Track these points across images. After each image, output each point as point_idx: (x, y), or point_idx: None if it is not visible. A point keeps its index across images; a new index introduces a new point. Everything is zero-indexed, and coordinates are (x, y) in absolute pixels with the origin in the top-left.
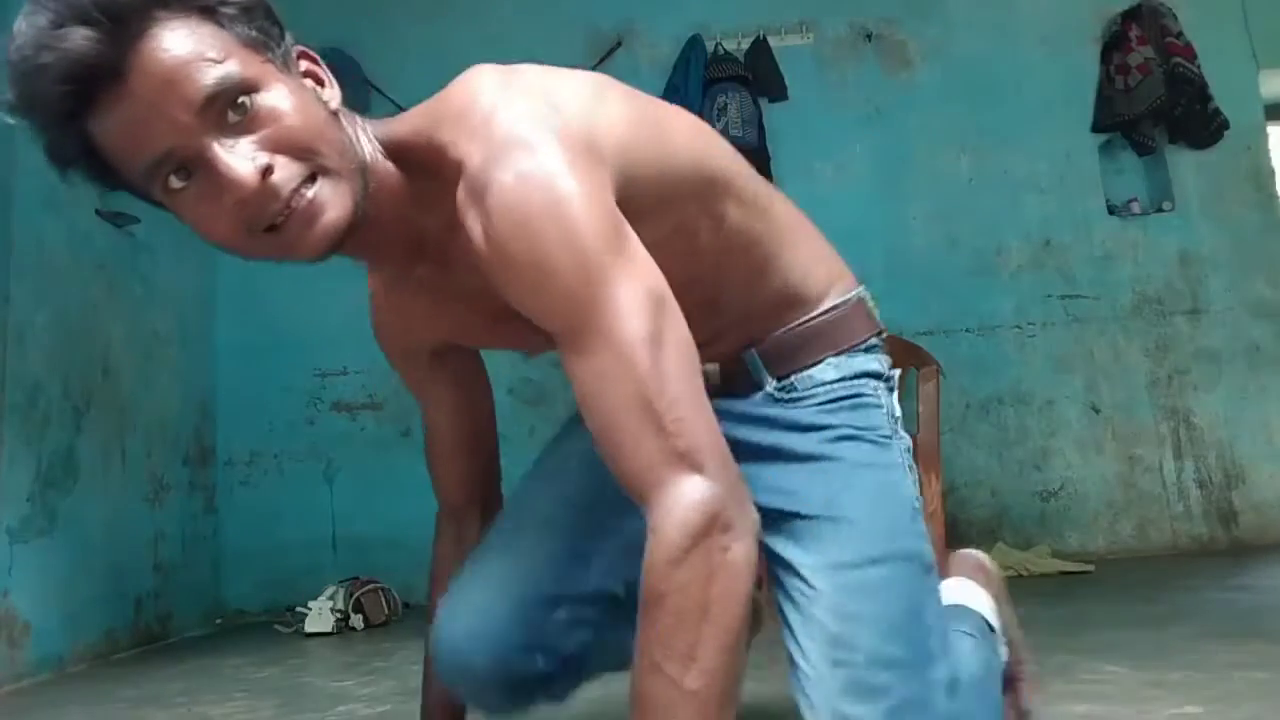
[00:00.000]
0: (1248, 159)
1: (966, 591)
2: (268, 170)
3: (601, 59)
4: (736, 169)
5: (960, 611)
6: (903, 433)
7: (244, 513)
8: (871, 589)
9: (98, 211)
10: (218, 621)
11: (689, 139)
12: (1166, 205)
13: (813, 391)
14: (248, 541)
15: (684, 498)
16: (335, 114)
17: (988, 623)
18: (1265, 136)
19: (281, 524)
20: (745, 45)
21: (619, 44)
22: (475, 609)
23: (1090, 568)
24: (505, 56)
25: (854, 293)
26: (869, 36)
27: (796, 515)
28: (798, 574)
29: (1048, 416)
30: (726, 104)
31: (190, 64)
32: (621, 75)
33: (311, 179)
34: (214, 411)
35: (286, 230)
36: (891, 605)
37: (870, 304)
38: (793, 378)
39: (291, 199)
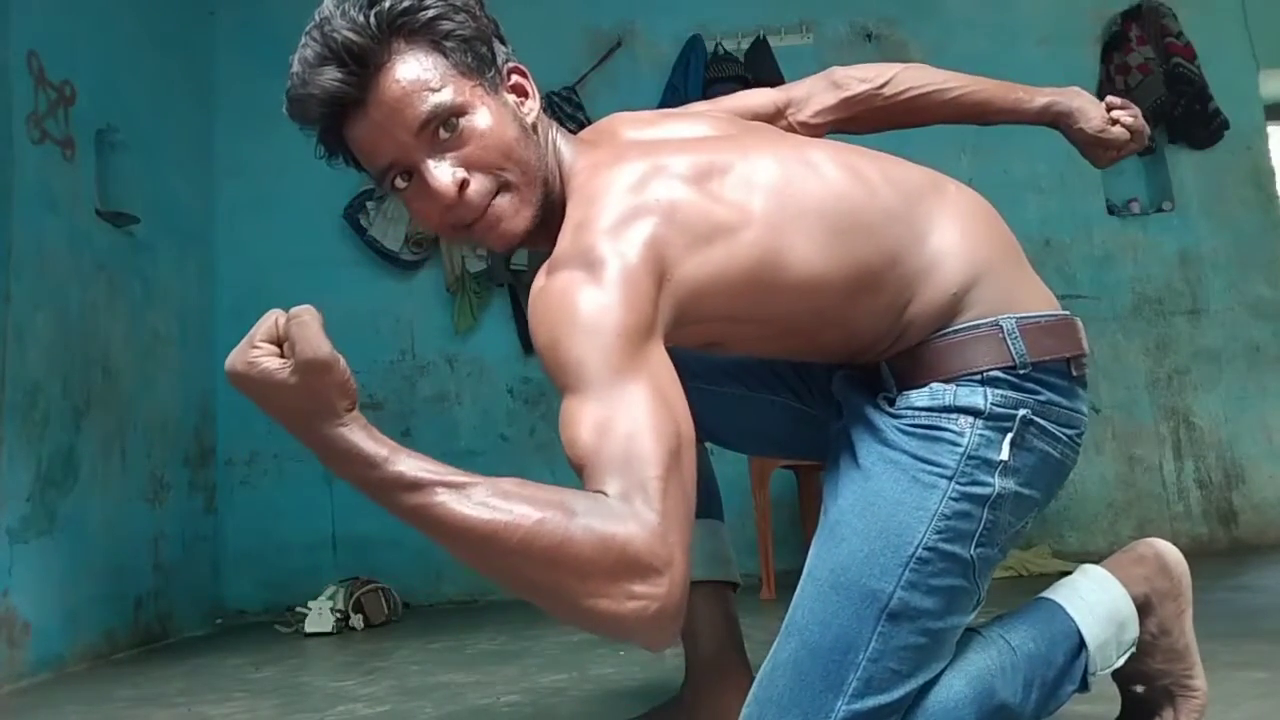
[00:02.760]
0: (1248, 159)
1: (1083, 592)
2: (465, 184)
3: (601, 59)
4: (883, 230)
5: (1037, 617)
6: (988, 479)
7: (244, 513)
8: (817, 610)
9: (98, 211)
10: (218, 621)
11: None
12: (1166, 205)
13: (902, 412)
14: (248, 541)
15: (646, 522)
16: (533, 126)
17: (1074, 635)
18: (1265, 136)
19: (281, 524)
20: (745, 45)
21: (619, 44)
22: None
23: None
24: None
25: (993, 318)
26: (869, 36)
27: (825, 513)
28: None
29: None
30: None
31: (413, 93)
32: (621, 75)
33: (500, 191)
34: (214, 411)
35: (476, 231)
36: (825, 632)
37: (1012, 339)
38: (899, 395)
39: (482, 208)
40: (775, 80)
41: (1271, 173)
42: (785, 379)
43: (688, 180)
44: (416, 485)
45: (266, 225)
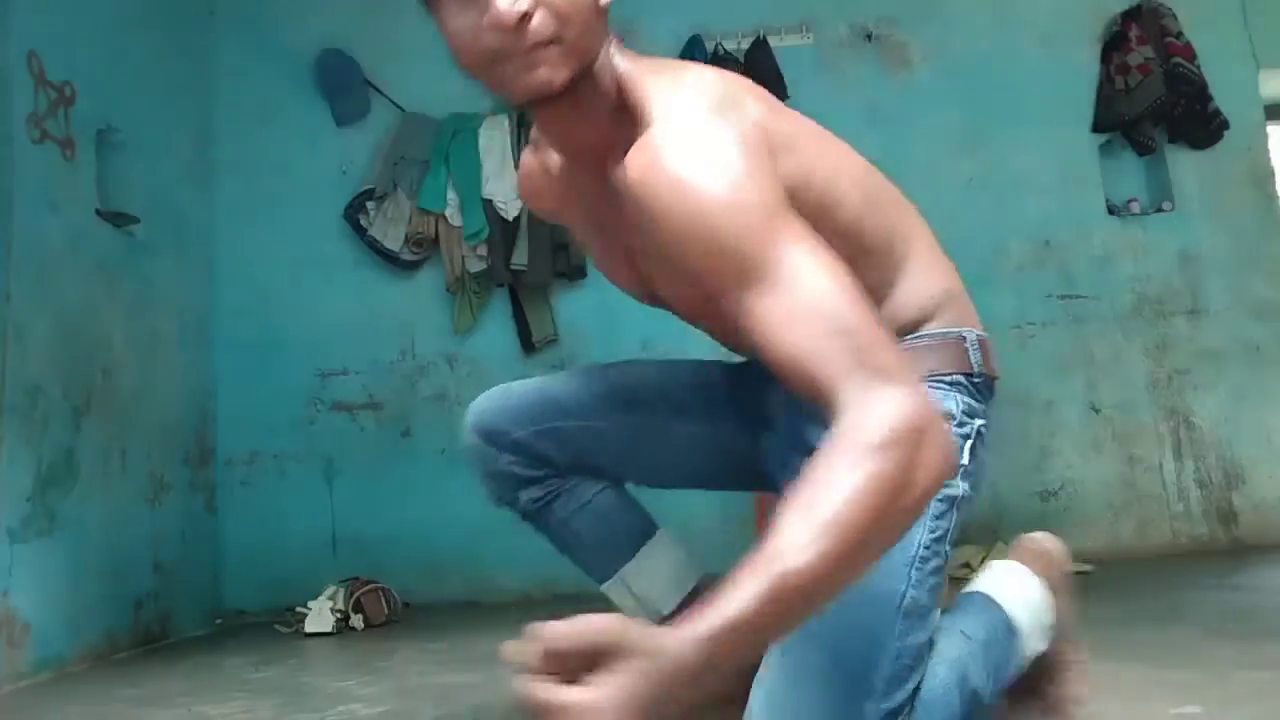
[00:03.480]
0: (1248, 159)
1: (1006, 583)
2: (526, 16)
3: None
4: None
5: (978, 608)
6: (956, 480)
7: (244, 513)
8: (839, 619)
9: (98, 211)
10: (218, 621)
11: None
12: (1166, 205)
13: None
14: (248, 541)
15: (888, 402)
16: (603, 10)
17: (1009, 623)
18: (1265, 136)
19: (281, 524)
20: (745, 45)
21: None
22: (505, 394)
23: (1090, 568)
24: None
25: (958, 329)
26: (869, 36)
27: None
28: None
29: (1048, 416)
30: None
31: None
32: None
33: (552, 42)
34: (214, 411)
35: (510, 68)
36: (850, 639)
37: (974, 350)
38: None
39: (529, 47)
40: (776, 80)
41: (1271, 173)
42: (690, 404)
43: (759, 99)
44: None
45: (266, 225)
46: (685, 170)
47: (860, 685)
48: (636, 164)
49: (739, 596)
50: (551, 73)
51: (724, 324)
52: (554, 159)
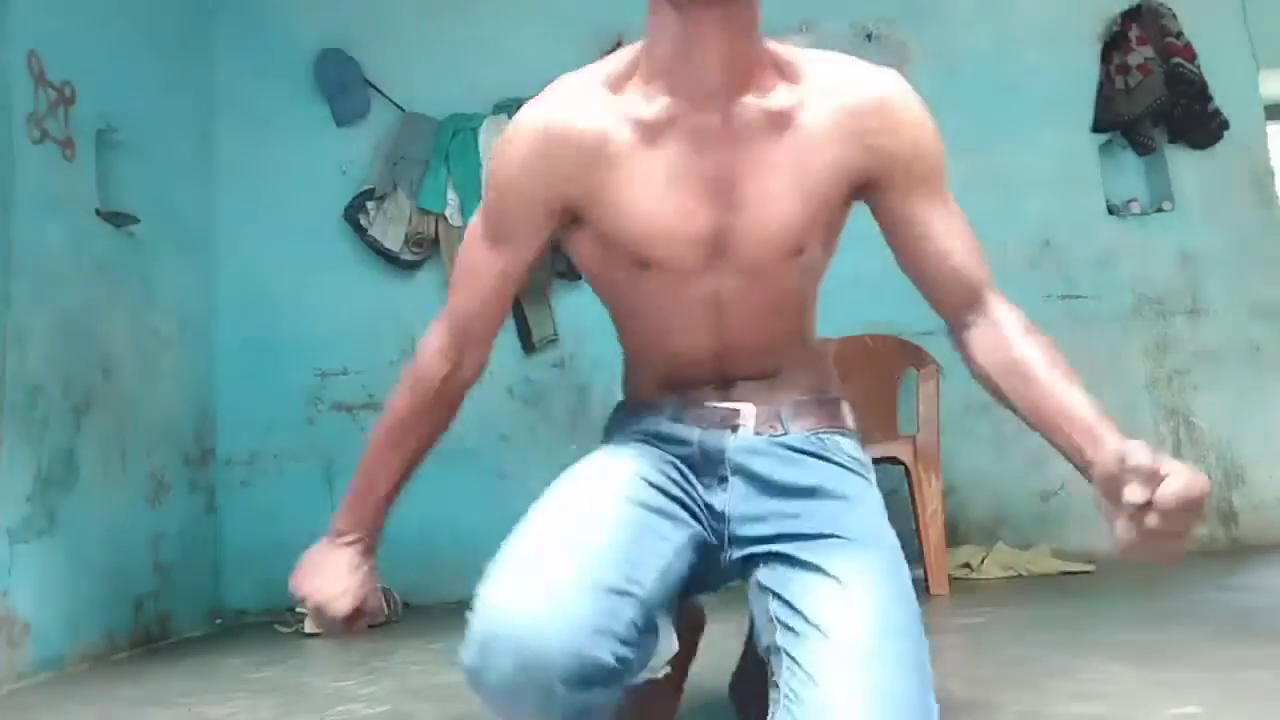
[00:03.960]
0: (1248, 159)
1: None
2: None
3: (601, 59)
4: None
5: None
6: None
7: (244, 513)
8: (903, 606)
9: (98, 211)
10: (218, 621)
11: None
12: (1166, 205)
13: (834, 453)
14: (248, 541)
15: (1009, 301)
16: None
17: None
18: (1265, 136)
19: (281, 524)
20: None
21: (619, 44)
22: (550, 589)
23: (1090, 568)
24: (505, 56)
25: (838, 395)
26: (869, 36)
27: (834, 536)
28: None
29: None
30: None
31: None
32: None
33: None
34: (214, 411)
35: None
36: (916, 624)
37: (847, 409)
38: (821, 435)
39: None
40: None
41: (1271, 173)
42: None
43: None
44: None
45: (266, 225)
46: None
47: (928, 678)
48: (879, 85)
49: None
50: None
51: (778, 282)
52: (641, 105)
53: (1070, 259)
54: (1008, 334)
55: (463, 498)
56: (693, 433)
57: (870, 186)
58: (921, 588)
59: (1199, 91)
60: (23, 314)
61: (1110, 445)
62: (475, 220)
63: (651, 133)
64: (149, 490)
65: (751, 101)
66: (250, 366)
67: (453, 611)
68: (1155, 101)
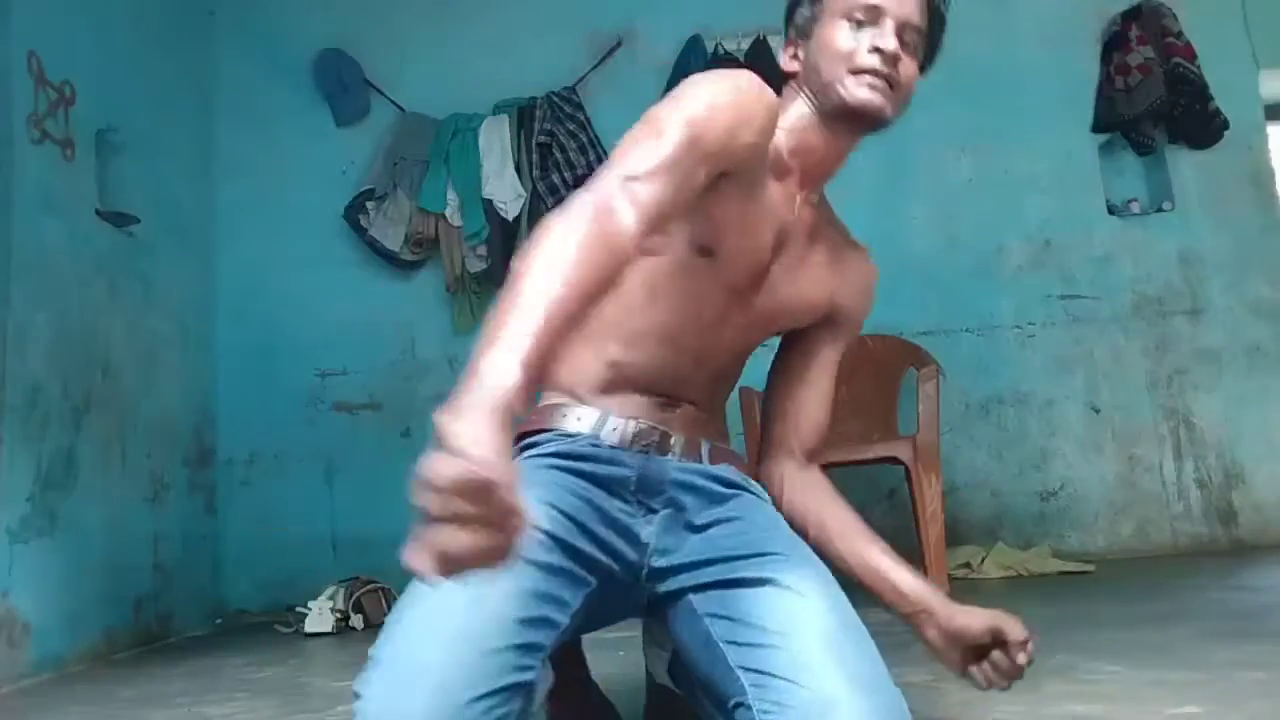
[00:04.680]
0: (1248, 159)
1: None
2: (896, 59)
3: (601, 59)
4: None
5: None
6: None
7: (244, 513)
8: (841, 601)
9: (98, 212)
10: (218, 621)
11: None
12: (1166, 205)
13: (750, 485)
14: (248, 541)
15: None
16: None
17: None
18: (1265, 136)
19: (281, 524)
20: (745, 45)
21: (619, 44)
22: (433, 694)
23: (1090, 568)
24: (505, 57)
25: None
26: None
27: (771, 554)
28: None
29: (1048, 416)
30: None
31: (919, 8)
32: (621, 76)
33: (894, 86)
34: (214, 411)
35: (863, 78)
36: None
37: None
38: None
39: (880, 78)
40: (776, 81)
41: (1271, 173)
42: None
43: None
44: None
45: (266, 225)
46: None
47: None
48: (870, 265)
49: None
50: (886, 104)
51: (758, 335)
52: (795, 173)
53: (1070, 259)
54: (831, 493)
55: None
56: (633, 459)
57: (823, 320)
58: None
59: (1199, 91)
60: (23, 314)
61: (934, 603)
62: (691, 115)
63: (777, 167)
64: (149, 490)
65: (815, 199)
66: (250, 366)
67: None
68: (1155, 101)
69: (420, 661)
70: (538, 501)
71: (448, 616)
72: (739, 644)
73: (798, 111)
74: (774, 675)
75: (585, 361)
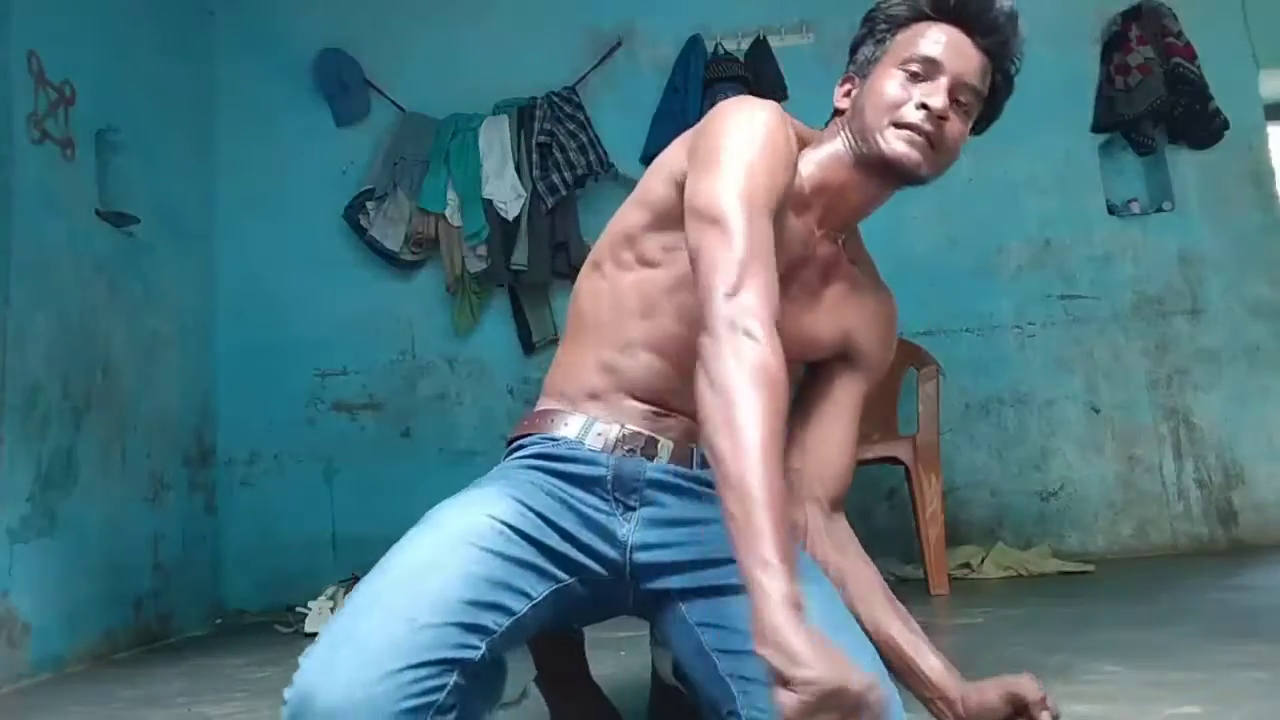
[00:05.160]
0: (1248, 159)
1: None
2: (944, 117)
3: (602, 59)
4: None
5: None
6: None
7: (244, 513)
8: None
9: (98, 212)
10: (218, 621)
11: None
12: (1166, 205)
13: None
14: (248, 541)
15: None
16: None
17: None
18: (1265, 136)
19: (281, 524)
20: (745, 45)
21: (619, 44)
22: (358, 667)
23: (1090, 568)
24: (505, 57)
25: None
26: None
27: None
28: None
29: (1048, 416)
30: None
31: (980, 73)
32: (621, 75)
33: (936, 146)
34: (214, 411)
35: (905, 133)
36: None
37: None
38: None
39: (922, 135)
40: (776, 80)
41: (1271, 173)
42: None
43: None
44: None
45: (266, 225)
46: None
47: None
48: (892, 308)
49: None
50: (924, 162)
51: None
52: (815, 209)
53: (1070, 259)
54: (855, 547)
55: None
56: (607, 458)
57: (842, 357)
58: (921, 587)
59: (1199, 91)
60: (23, 314)
61: (951, 689)
62: (740, 190)
63: (796, 201)
64: (149, 490)
65: (840, 237)
66: (250, 366)
67: None
68: (1155, 101)
69: (353, 633)
70: (508, 497)
71: (391, 595)
72: (728, 652)
73: (833, 149)
74: (759, 681)
75: (580, 369)
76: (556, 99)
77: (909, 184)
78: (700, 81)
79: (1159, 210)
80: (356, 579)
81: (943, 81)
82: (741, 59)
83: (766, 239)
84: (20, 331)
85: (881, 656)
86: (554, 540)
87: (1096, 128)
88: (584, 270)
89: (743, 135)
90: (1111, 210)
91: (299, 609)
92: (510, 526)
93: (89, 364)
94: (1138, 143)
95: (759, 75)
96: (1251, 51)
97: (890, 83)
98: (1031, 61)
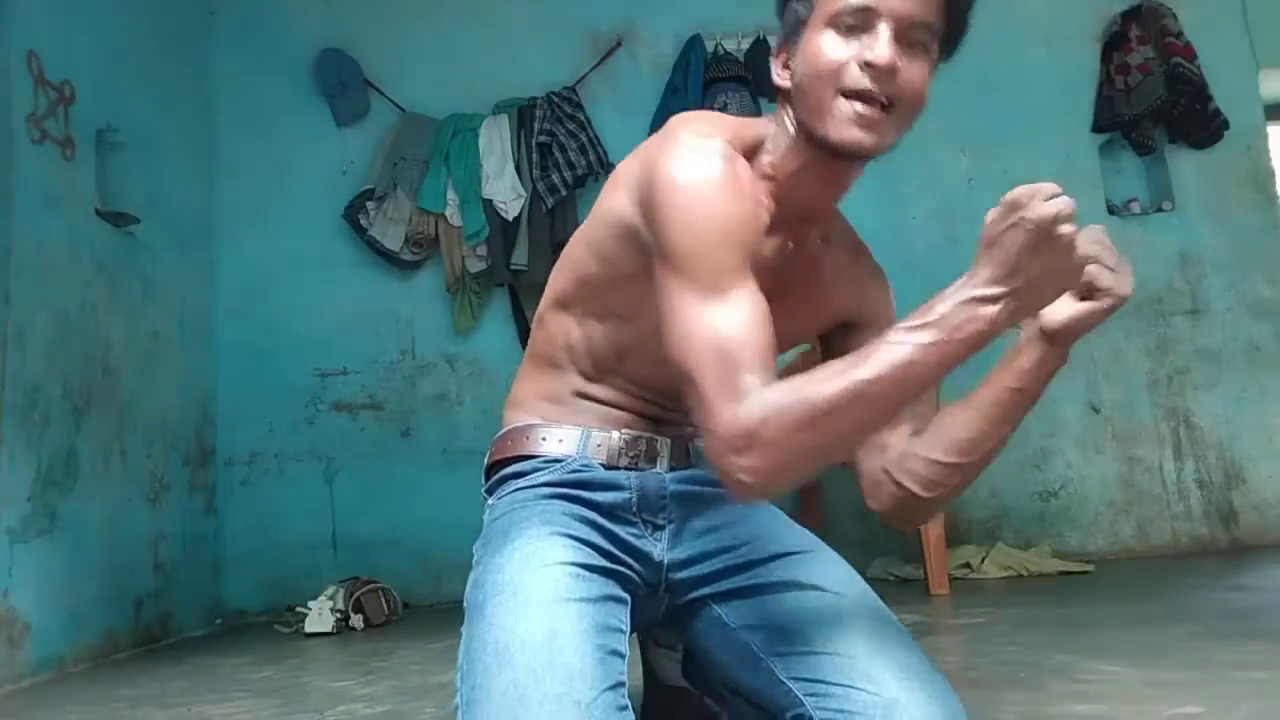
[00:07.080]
0: (1248, 159)
1: None
2: (892, 71)
3: (602, 59)
4: None
5: None
6: None
7: (244, 513)
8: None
9: (98, 211)
10: (218, 621)
11: None
12: (1166, 205)
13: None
14: (248, 541)
15: None
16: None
17: None
18: (1265, 136)
19: (281, 524)
20: (745, 45)
21: (619, 44)
22: None
23: (1090, 568)
24: (505, 57)
25: None
26: None
27: (789, 553)
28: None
29: (1048, 416)
30: (727, 104)
31: (934, 7)
32: (621, 75)
33: (891, 107)
34: (214, 411)
35: (852, 107)
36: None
37: None
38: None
39: (873, 103)
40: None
41: (1271, 173)
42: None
43: None
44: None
45: (266, 225)
46: None
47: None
48: (875, 267)
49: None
50: (879, 140)
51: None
52: (785, 224)
53: None
54: (902, 425)
55: (463, 498)
56: (629, 478)
57: (847, 324)
58: (922, 587)
59: (1199, 91)
60: (23, 314)
61: (1029, 329)
62: (710, 260)
63: (769, 228)
64: (149, 490)
65: (819, 233)
66: (250, 366)
67: (453, 611)
68: (1155, 101)
69: None
70: (552, 534)
71: (541, 683)
72: (784, 654)
73: (784, 146)
74: (829, 682)
75: (557, 379)
76: (556, 99)
77: (871, 159)
78: (700, 81)
79: (1159, 210)
80: (357, 579)
81: (881, 29)
82: (741, 59)
83: (751, 285)
84: (20, 331)
85: (986, 400)
86: (609, 563)
87: (1096, 127)
88: (548, 301)
89: (702, 200)
90: (1111, 210)
91: (299, 609)
92: (579, 565)
93: (89, 364)
94: (1138, 143)
95: (759, 75)
96: (1251, 51)
97: (824, 44)
98: (1031, 61)
